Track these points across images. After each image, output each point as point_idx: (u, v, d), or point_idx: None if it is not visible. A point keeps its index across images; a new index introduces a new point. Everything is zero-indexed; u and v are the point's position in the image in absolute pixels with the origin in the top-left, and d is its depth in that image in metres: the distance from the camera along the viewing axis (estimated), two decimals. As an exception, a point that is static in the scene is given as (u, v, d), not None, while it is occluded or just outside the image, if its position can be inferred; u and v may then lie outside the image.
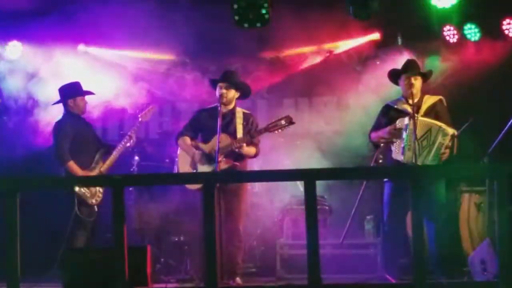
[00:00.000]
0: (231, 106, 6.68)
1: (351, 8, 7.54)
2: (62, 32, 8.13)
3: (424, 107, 6.42)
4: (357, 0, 7.47)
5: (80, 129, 6.99)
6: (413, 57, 7.33)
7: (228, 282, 6.34)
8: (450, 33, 8.21)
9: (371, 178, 6.70)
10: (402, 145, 6.26)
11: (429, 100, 6.48)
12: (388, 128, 6.41)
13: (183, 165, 6.69)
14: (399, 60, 7.34)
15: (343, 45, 8.71)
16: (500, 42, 8.05)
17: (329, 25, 8.18)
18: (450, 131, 6.17)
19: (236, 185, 6.50)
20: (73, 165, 6.76)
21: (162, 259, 7.58)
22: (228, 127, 6.58)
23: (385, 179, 6.41)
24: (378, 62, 8.41)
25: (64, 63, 8.25)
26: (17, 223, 4.18)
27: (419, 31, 8.22)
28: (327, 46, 8.70)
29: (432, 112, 6.40)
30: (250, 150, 6.58)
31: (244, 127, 6.65)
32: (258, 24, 7.58)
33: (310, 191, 4.11)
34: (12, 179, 4.48)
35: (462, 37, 8.21)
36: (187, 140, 6.71)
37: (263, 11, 7.48)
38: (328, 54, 8.67)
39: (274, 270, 7.22)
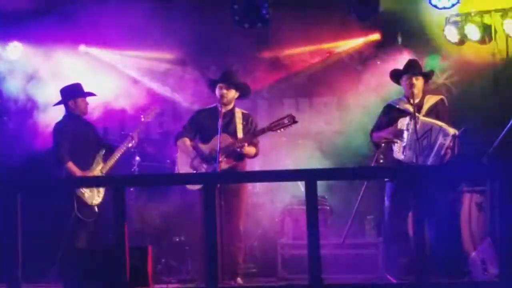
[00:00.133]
0: (230, 106, 6.68)
1: (354, 11, 7.56)
2: (62, 32, 8.12)
3: (425, 107, 6.43)
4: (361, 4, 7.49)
5: (80, 130, 6.99)
6: (414, 57, 7.33)
7: (229, 282, 6.34)
8: (450, 33, 8.20)
9: (372, 178, 6.70)
10: (403, 145, 6.26)
11: (431, 100, 6.48)
12: (389, 129, 6.41)
13: (182, 166, 6.69)
14: (400, 60, 7.35)
15: (344, 45, 8.71)
16: (500, 42, 8.04)
17: (329, 25, 8.17)
18: (451, 131, 6.17)
19: (236, 185, 6.50)
20: (72, 166, 6.76)
21: (163, 260, 7.57)
22: (228, 127, 6.58)
23: (386, 179, 6.40)
24: (378, 62, 8.41)
25: (64, 64, 8.25)
26: (18, 224, 4.18)
27: (420, 31, 8.22)
28: (327, 46, 8.69)
29: (433, 112, 6.40)
30: (251, 150, 6.60)
31: (244, 127, 6.66)
32: (259, 24, 7.58)
33: (311, 191, 4.11)
34: (12, 180, 4.48)
35: (463, 37, 8.20)
36: (187, 141, 6.71)
37: (264, 11, 7.48)
38: (328, 54, 8.66)
39: (275, 270, 7.22)
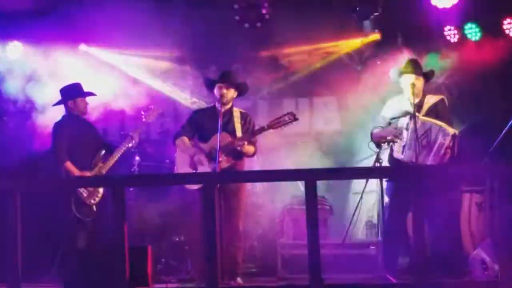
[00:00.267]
0: (228, 106, 6.68)
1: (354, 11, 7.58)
2: (61, 32, 8.13)
3: (425, 106, 6.42)
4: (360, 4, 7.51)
5: (79, 130, 6.98)
6: (414, 57, 7.32)
7: (229, 282, 6.33)
8: (450, 33, 8.21)
9: (371, 178, 6.70)
10: (403, 144, 6.26)
11: (431, 100, 6.48)
12: (389, 128, 6.41)
13: (181, 165, 6.68)
14: (400, 60, 7.34)
15: (343, 45, 8.72)
16: (500, 41, 8.05)
17: (329, 25, 8.18)
18: (451, 131, 6.16)
19: (235, 184, 6.50)
20: (70, 166, 6.76)
21: (163, 259, 7.57)
22: (227, 126, 6.57)
23: (386, 179, 6.40)
24: (378, 62, 8.41)
25: (64, 63, 8.26)
26: (18, 223, 4.19)
27: (420, 31, 8.22)
28: (327, 46, 8.69)
29: (433, 111, 6.40)
30: (250, 148, 6.60)
31: (242, 126, 6.66)
32: (259, 24, 7.58)
33: (310, 191, 4.12)
34: (12, 180, 4.48)
35: (463, 37, 8.21)
36: (186, 140, 6.70)
37: (264, 11, 7.48)
38: (328, 54, 8.68)
39: (275, 270, 7.21)
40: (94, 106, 7.63)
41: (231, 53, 8.46)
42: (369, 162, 7.06)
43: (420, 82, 6.46)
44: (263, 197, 8.00)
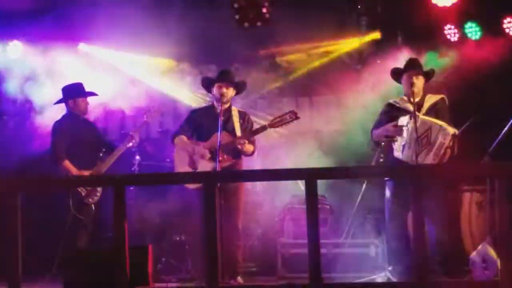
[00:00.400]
0: (227, 105, 6.68)
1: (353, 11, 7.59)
2: (61, 32, 8.14)
3: (425, 106, 6.41)
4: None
5: (79, 130, 6.99)
6: (414, 55, 7.32)
7: (229, 281, 6.33)
8: (451, 32, 8.21)
9: (372, 177, 6.70)
10: (402, 143, 6.26)
11: (431, 99, 6.47)
12: (388, 125, 6.40)
13: (179, 164, 6.68)
14: (400, 59, 7.34)
15: (343, 44, 8.71)
16: (501, 40, 8.05)
17: (329, 24, 8.18)
18: (451, 130, 6.14)
19: (235, 184, 6.50)
20: (68, 165, 6.77)
21: (163, 259, 7.58)
22: (226, 125, 6.57)
23: (386, 178, 6.40)
24: (378, 61, 8.41)
25: (64, 63, 8.26)
26: (18, 223, 4.18)
27: (420, 30, 8.22)
28: (327, 45, 8.69)
29: (433, 111, 6.39)
30: (250, 147, 6.61)
31: (241, 124, 6.66)
32: (259, 23, 7.58)
33: (311, 190, 4.12)
34: (13, 180, 4.48)
35: (463, 36, 8.21)
36: (184, 138, 6.69)
37: (264, 10, 7.48)
38: (327, 53, 8.69)
39: (275, 269, 7.22)
40: (94, 106, 7.64)
41: (231, 53, 8.46)
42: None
43: (420, 81, 6.45)
44: (264, 196, 8.00)
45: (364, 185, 7.23)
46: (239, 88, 6.76)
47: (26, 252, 4.34)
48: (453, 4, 7.92)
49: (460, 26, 8.20)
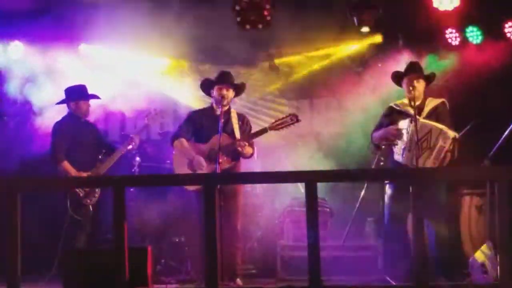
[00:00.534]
0: (227, 107, 6.68)
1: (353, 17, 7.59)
2: (61, 33, 8.15)
3: (426, 109, 6.42)
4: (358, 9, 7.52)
5: (80, 131, 6.99)
6: (415, 59, 7.33)
7: (228, 283, 6.33)
8: (452, 36, 8.21)
9: (372, 180, 6.70)
10: (403, 147, 6.26)
11: (432, 103, 6.47)
12: (389, 128, 6.40)
13: (178, 166, 6.67)
14: (401, 62, 7.34)
15: (345, 48, 8.72)
16: (502, 44, 8.05)
17: (330, 27, 8.18)
18: (451, 134, 6.14)
19: (233, 186, 6.50)
20: (66, 165, 6.77)
21: (162, 260, 7.58)
22: (226, 127, 6.57)
23: (386, 181, 6.40)
24: (379, 65, 8.42)
25: (64, 64, 8.27)
26: (18, 224, 4.18)
27: (421, 33, 8.22)
28: (329, 48, 8.70)
29: (434, 114, 6.39)
30: (249, 150, 6.61)
31: (240, 127, 6.67)
32: (260, 26, 7.58)
33: (311, 192, 4.12)
34: (12, 180, 4.48)
35: (464, 40, 8.21)
36: (184, 142, 6.68)
37: (265, 13, 7.48)
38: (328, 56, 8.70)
39: (274, 272, 7.22)
40: (94, 107, 7.63)
41: (231, 55, 8.46)
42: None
43: (421, 84, 6.45)
44: (263, 198, 8.00)
45: (364, 188, 7.22)
46: (239, 90, 6.76)
47: (25, 252, 4.33)
48: (455, 8, 7.91)
49: (461, 30, 8.20)
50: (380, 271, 6.81)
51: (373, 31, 8.31)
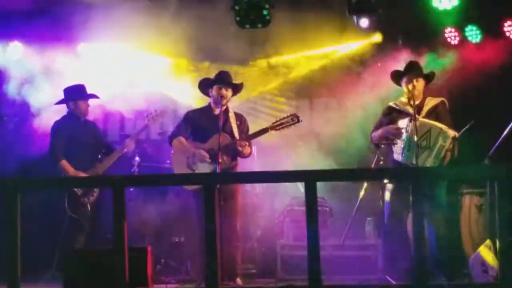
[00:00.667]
0: (225, 107, 6.68)
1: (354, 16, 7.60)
2: (60, 33, 8.14)
3: (425, 108, 6.41)
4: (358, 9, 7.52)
5: (79, 131, 7.00)
6: (414, 58, 7.33)
7: (228, 283, 6.33)
8: (451, 35, 8.21)
9: (371, 179, 6.69)
10: (402, 146, 6.25)
11: (431, 102, 6.47)
12: (388, 127, 6.40)
13: (177, 165, 6.67)
14: (400, 62, 7.34)
15: (344, 47, 8.72)
16: (501, 43, 8.05)
17: (330, 27, 8.18)
18: (451, 133, 6.14)
19: (232, 185, 6.50)
20: (65, 165, 6.78)
21: (162, 260, 7.58)
22: (225, 127, 6.57)
23: (386, 180, 6.40)
24: (379, 64, 8.42)
25: (62, 65, 8.27)
26: (18, 224, 4.18)
27: (420, 32, 8.22)
28: (328, 48, 8.70)
29: (433, 113, 6.38)
30: (248, 149, 6.62)
31: (238, 126, 6.67)
32: (259, 25, 7.57)
33: (310, 192, 4.11)
34: (12, 180, 4.47)
35: (464, 39, 8.21)
36: (183, 140, 6.68)
37: (265, 12, 7.48)
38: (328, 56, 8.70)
39: (274, 271, 7.22)
40: (93, 106, 7.63)
41: (231, 55, 8.46)
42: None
43: (420, 84, 6.45)
44: (263, 198, 8.00)
45: (363, 188, 7.22)
46: (237, 89, 6.76)
47: (26, 253, 4.33)
48: (454, 7, 7.91)
49: (460, 29, 8.20)
50: (380, 270, 6.82)
51: (372, 31, 8.31)
